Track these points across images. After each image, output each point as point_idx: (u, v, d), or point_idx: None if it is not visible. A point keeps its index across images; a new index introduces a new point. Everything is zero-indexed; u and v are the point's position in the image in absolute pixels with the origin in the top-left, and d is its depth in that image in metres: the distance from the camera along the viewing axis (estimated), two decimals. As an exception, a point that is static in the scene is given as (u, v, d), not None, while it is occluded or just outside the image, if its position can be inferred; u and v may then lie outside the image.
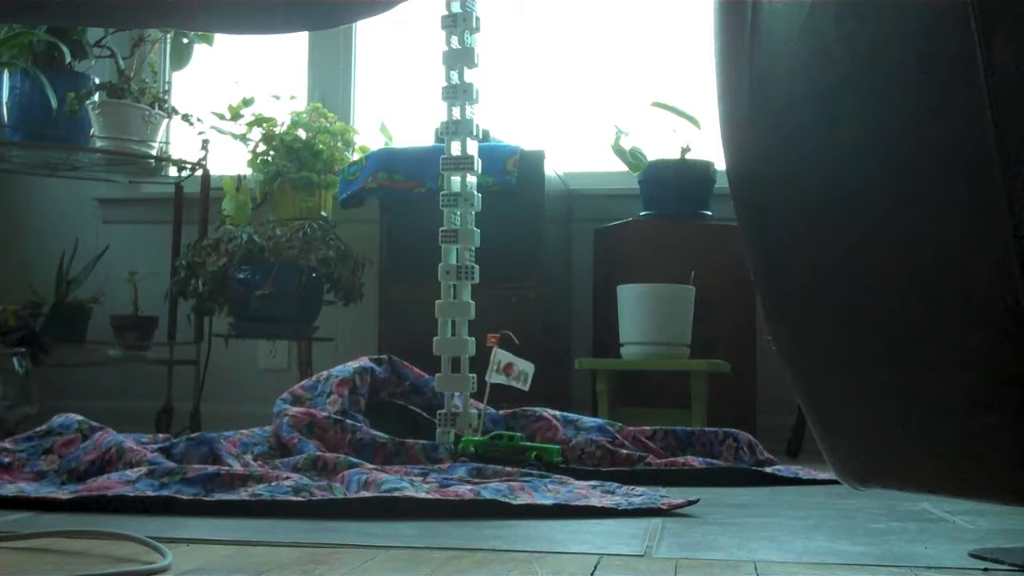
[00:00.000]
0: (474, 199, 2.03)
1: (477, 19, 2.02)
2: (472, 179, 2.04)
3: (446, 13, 2.02)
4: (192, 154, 3.20)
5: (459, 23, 2.01)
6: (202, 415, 3.08)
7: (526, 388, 2.05)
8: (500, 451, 1.90)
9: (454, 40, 2.02)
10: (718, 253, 2.82)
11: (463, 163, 2.02)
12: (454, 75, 2.04)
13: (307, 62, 3.54)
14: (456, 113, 2.04)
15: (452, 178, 2.04)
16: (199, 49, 3.30)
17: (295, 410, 1.96)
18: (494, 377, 2.03)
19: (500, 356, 2.03)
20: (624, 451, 2.02)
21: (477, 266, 2.04)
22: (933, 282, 0.85)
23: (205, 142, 3.14)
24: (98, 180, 3.36)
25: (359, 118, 3.50)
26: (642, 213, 2.96)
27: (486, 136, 2.84)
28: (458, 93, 2.03)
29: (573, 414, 2.18)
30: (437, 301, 2.02)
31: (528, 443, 1.94)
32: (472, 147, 2.03)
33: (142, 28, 3.15)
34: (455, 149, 2.04)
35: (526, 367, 2.05)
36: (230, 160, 3.25)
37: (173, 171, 3.26)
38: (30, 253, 3.52)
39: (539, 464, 1.86)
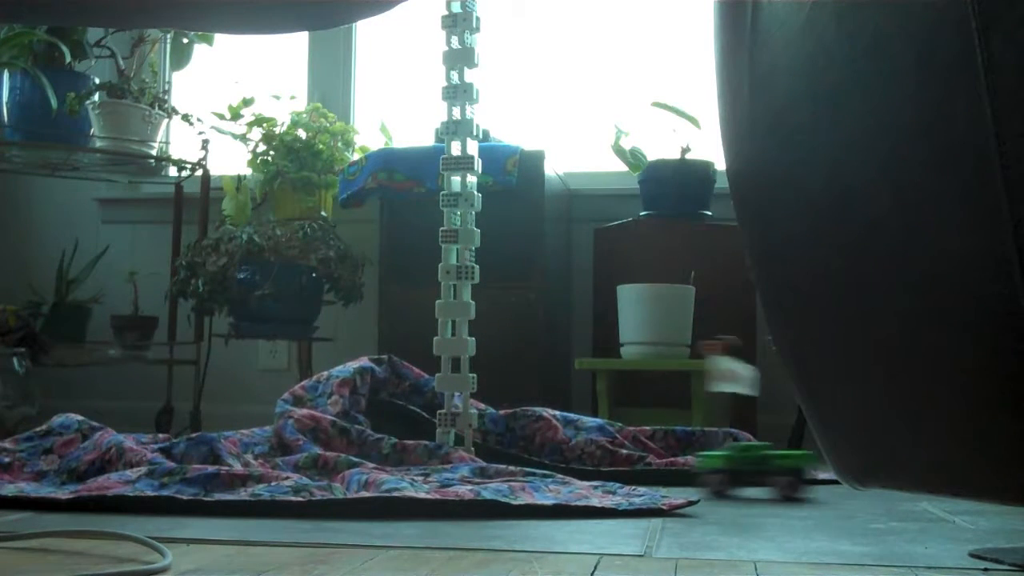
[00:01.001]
0: (474, 199, 2.03)
1: (477, 19, 2.02)
2: (472, 179, 2.04)
3: (446, 13, 2.02)
4: (192, 154, 3.20)
5: (459, 23, 2.01)
6: (202, 415, 3.08)
7: (756, 393, 1.94)
8: (751, 464, 1.71)
9: (454, 40, 2.02)
10: (718, 253, 2.82)
11: (463, 163, 2.02)
12: (454, 75, 2.03)
13: (307, 62, 3.53)
14: (456, 113, 2.04)
15: (452, 178, 2.04)
16: (199, 49, 3.30)
17: (300, 412, 1.95)
18: (719, 386, 1.93)
19: (720, 363, 1.93)
20: (624, 451, 2.02)
21: (477, 266, 2.04)
22: (933, 282, 0.84)
23: (205, 142, 3.14)
24: (98, 180, 3.36)
25: (359, 118, 3.50)
26: (642, 213, 2.96)
27: (486, 136, 2.84)
28: (458, 93, 2.03)
29: (573, 414, 2.18)
30: (437, 301, 2.02)
31: (775, 452, 1.75)
32: (472, 147, 2.03)
33: (142, 28, 3.15)
34: (455, 149, 2.04)
35: (749, 371, 1.94)
36: (230, 160, 3.25)
37: (173, 171, 3.26)
38: (30, 253, 3.52)
39: (787, 472, 1.67)
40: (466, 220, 2.03)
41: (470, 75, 2.04)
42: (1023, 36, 0.76)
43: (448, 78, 2.04)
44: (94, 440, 1.69)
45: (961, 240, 0.81)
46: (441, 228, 2.02)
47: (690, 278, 2.64)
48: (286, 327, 2.92)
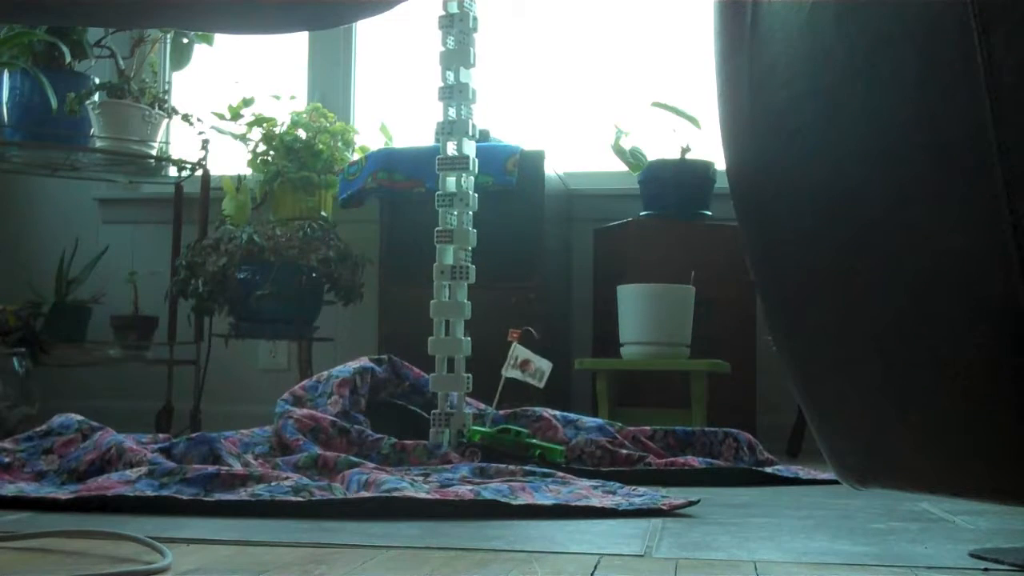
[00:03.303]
0: (470, 199, 2.03)
1: (475, 19, 2.02)
2: (469, 179, 2.04)
3: (443, 13, 2.02)
4: (192, 154, 3.20)
5: (456, 23, 2.01)
6: (202, 415, 3.08)
7: (541, 385, 2.09)
8: (505, 445, 1.93)
9: (451, 40, 2.02)
10: (718, 253, 2.82)
11: (459, 163, 2.02)
12: (450, 75, 2.03)
13: (307, 62, 3.53)
14: (452, 113, 2.04)
15: (448, 178, 2.04)
16: (199, 49, 3.30)
17: (300, 412, 1.95)
18: (510, 372, 2.08)
19: (518, 352, 2.08)
20: (624, 451, 2.02)
21: (473, 266, 2.04)
22: (933, 281, 0.84)
23: (205, 142, 3.14)
24: (98, 180, 3.36)
25: (359, 118, 3.50)
26: (642, 213, 2.96)
27: (486, 136, 2.84)
28: (454, 93, 2.03)
29: (573, 414, 2.18)
30: (431, 301, 2.02)
31: (533, 440, 1.97)
32: (469, 147, 2.03)
33: (142, 28, 3.15)
34: (451, 149, 2.04)
35: (543, 365, 2.09)
36: (230, 160, 3.25)
37: (173, 171, 3.26)
38: (30, 253, 3.52)
39: (540, 462, 1.87)
40: (462, 220, 2.03)
41: (467, 75, 2.03)
42: (1023, 36, 0.76)
43: (444, 78, 2.04)
44: (94, 440, 1.69)
45: (961, 239, 0.81)
46: (436, 228, 2.02)
47: (690, 278, 2.64)
48: (286, 327, 2.92)
